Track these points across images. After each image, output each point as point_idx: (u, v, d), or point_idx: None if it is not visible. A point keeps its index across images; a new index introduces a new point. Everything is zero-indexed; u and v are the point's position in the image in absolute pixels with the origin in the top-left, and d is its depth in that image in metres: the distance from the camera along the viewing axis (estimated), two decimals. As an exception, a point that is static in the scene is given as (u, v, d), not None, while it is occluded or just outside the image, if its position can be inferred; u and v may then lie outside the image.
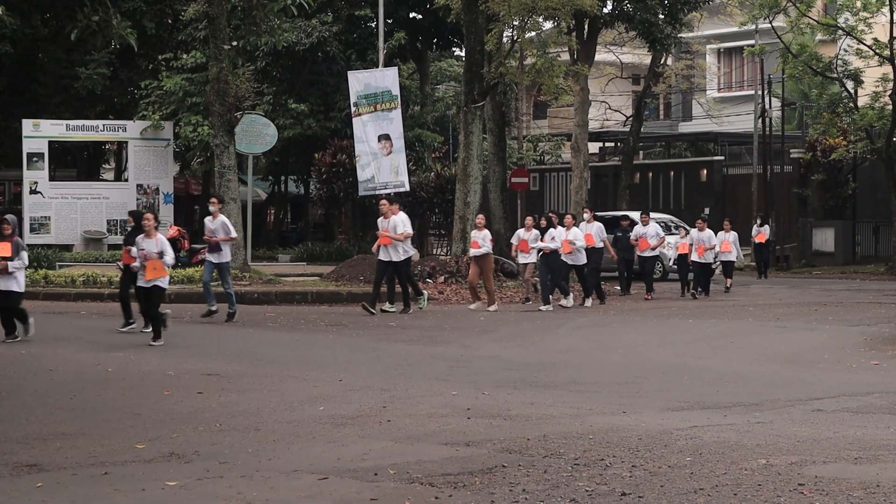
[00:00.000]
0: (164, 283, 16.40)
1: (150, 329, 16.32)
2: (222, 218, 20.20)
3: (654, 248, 26.53)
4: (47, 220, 32.96)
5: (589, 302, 23.98)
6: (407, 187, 29.63)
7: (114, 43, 31.34)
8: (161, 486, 7.86)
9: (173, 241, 29.84)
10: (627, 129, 44.18)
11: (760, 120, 42.70)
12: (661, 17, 36.30)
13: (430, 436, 9.61)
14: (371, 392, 12.03)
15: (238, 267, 26.83)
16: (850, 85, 37.34)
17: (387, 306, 21.62)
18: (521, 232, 24.36)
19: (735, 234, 29.10)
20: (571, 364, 14.87)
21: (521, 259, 24.21)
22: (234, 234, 20.75)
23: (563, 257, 23.30)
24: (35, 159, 32.87)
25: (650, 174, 47.16)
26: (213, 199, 21.05)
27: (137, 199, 33.50)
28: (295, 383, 12.70)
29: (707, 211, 41.10)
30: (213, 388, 12.27)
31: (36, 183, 32.92)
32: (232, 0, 27.76)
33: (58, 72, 36.81)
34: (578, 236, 23.62)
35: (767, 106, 42.57)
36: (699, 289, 26.52)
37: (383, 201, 22.31)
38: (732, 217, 33.75)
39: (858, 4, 35.28)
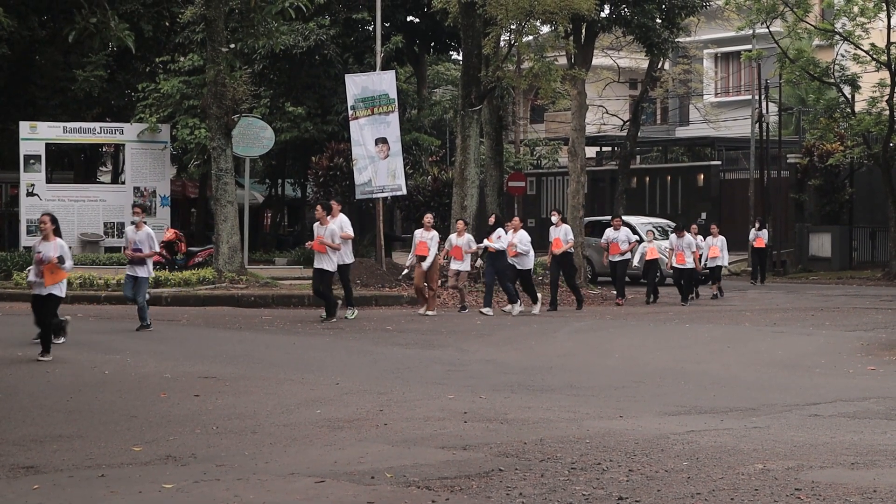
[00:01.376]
0: (60, 291, 15.36)
1: (39, 341, 15.06)
2: (148, 229, 18.87)
3: (623, 254, 26.42)
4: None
5: (537, 308, 23.01)
6: (404, 191, 29.64)
7: (111, 45, 31.38)
8: (158, 488, 7.86)
9: (170, 244, 29.98)
10: (624, 133, 44.18)
11: (757, 125, 42.71)
12: (659, 21, 36.25)
13: (427, 439, 9.61)
14: (368, 395, 12.03)
15: (235, 270, 26.83)
16: (847, 90, 37.34)
17: (348, 312, 21.02)
18: (452, 237, 23.35)
19: (723, 238, 29.07)
20: (568, 368, 14.86)
21: (454, 266, 22.97)
22: (157, 249, 19.17)
23: (509, 259, 22.70)
24: (32, 161, 32.82)
25: (647, 178, 47.19)
26: (137, 209, 19.43)
27: (134, 202, 33.47)
28: (292, 386, 12.70)
29: (704, 216, 41.11)
30: (209, 391, 12.26)
31: (33, 185, 32.87)
32: (229, 3, 27.75)
33: (55, 74, 36.76)
34: (524, 240, 22.95)
35: (764, 111, 42.60)
36: (688, 296, 26.58)
37: (318, 207, 21.00)
38: (729, 222, 33.71)
39: (856, 10, 35.31)
